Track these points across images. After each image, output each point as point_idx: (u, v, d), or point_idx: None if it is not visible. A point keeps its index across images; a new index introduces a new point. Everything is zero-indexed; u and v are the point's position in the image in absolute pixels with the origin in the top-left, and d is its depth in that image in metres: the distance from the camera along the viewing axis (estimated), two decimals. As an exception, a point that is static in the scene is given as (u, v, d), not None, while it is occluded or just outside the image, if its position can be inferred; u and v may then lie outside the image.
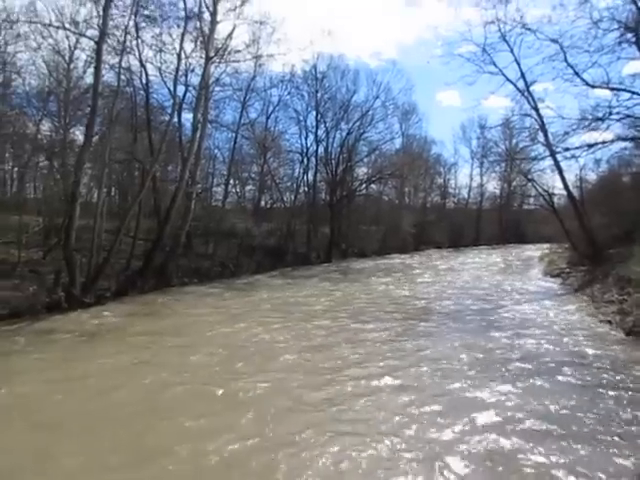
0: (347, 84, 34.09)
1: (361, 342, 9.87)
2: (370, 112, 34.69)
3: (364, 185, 38.19)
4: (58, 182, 18.17)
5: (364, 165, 38.79)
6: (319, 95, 32.42)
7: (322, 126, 33.11)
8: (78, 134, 20.43)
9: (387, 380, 7.45)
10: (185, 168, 18.88)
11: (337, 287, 18.78)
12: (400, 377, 7.58)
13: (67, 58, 19.04)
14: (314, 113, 32.74)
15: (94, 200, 17.75)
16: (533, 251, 35.88)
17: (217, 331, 10.82)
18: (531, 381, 7.38)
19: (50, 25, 16.76)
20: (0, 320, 11.22)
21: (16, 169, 21.39)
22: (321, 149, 33.66)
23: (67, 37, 18.39)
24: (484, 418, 5.97)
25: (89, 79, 19.06)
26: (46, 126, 20.53)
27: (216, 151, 30.06)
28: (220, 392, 6.96)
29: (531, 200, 32.85)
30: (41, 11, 17.26)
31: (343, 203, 34.37)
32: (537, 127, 21.12)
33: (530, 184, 28.73)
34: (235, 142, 26.66)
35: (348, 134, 34.29)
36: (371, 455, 5.11)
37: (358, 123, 34.37)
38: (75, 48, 18.76)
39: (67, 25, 16.70)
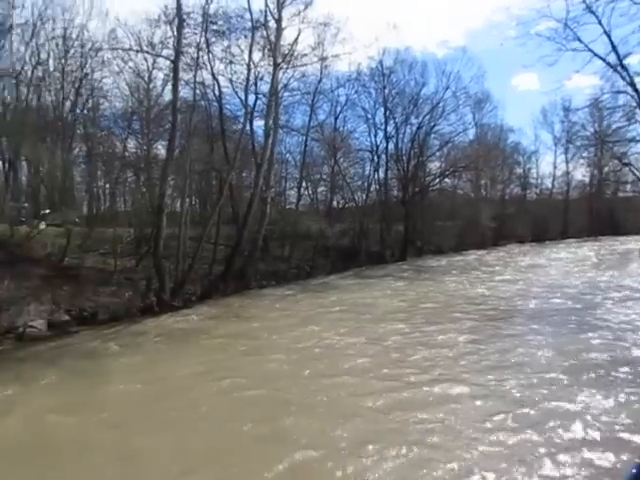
0: (415, 77, 33.29)
1: (437, 345, 9.55)
2: (441, 104, 33.65)
3: (437, 180, 37.08)
4: (145, 195, 19.57)
5: (436, 159, 37.73)
6: (387, 91, 32.02)
7: (391, 122, 32.67)
8: (160, 148, 21.96)
9: (466, 387, 7.10)
10: (259, 174, 19.52)
11: (411, 286, 18.47)
12: (480, 384, 7.20)
13: (146, 79, 20.49)
14: (382, 110, 32.38)
15: (177, 210, 18.96)
16: (631, 243, 32.81)
17: (290, 334, 10.99)
18: (635, 391, 6.70)
19: (130, 49, 18.12)
20: (102, 324, 12.39)
21: (108, 185, 23.28)
22: (391, 145, 33.17)
23: (145, 59, 19.81)
24: (578, 432, 5.51)
25: (167, 97, 20.40)
26: (131, 144, 22.23)
27: (288, 155, 30.77)
28: (290, 396, 7.03)
29: (628, 187, 29.96)
30: (121, 37, 18.68)
31: (416, 199, 33.62)
32: (634, 105, 19.18)
33: (626, 169, 26.16)
34: (306, 145, 27.09)
35: (418, 128, 33.50)
36: (451, 469, 4.89)
37: (428, 116, 33.49)
38: (153, 68, 20.16)
39: (145, 48, 17.96)
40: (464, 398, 6.74)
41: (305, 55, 21.41)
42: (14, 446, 5.70)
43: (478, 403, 6.54)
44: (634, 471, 1.34)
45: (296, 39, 20.58)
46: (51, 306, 12.04)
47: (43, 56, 19.25)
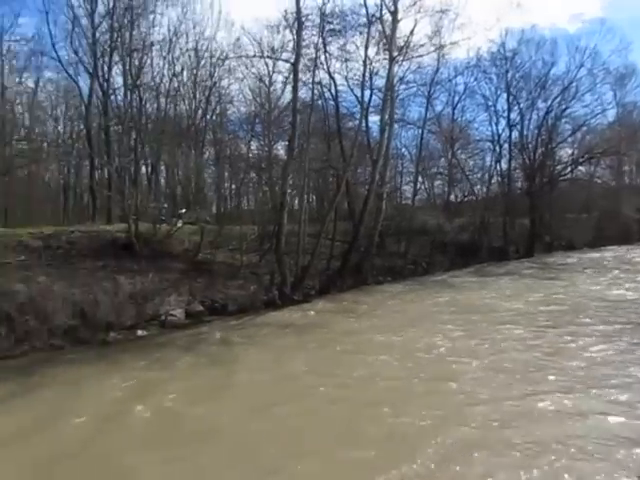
0: (543, 57, 30.36)
1: (561, 354, 8.39)
2: (573, 84, 30.28)
3: (569, 168, 33.64)
4: (266, 194, 20.59)
5: (568, 145, 34.27)
6: (510, 75, 29.81)
7: (515, 108, 30.41)
8: (279, 149, 22.98)
9: (599, 403, 6.10)
10: (375, 170, 19.39)
11: (537, 286, 16.87)
12: (618, 402, 6.14)
13: (267, 83, 21.47)
14: (505, 96, 30.33)
15: (296, 207, 19.65)
16: None
17: (400, 334, 10.57)
18: None
19: (254, 56, 19.13)
20: (231, 315, 13.29)
21: (234, 185, 24.96)
22: (515, 134, 31.01)
23: (266, 64, 20.74)
24: None
25: (285, 98, 21.23)
26: (254, 145, 23.57)
27: (403, 149, 30.28)
28: (391, 400, 6.64)
29: None
30: (245, 45, 19.83)
31: (544, 190, 30.83)
32: None
33: None
34: (422, 138, 26.34)
35: (547, 113, 30.62)
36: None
37: (559, 99, 30.38)
38: (273, 72, 21.05)
39: (266, 53, 18.84)
40: (597, 416, 5.79)
41: (422, 45, 20.76)
42: (163, 425, 6.28)
43: (614, 422, 5.59)
44: None
45: (412, 30, 20.02)
46: (188, 297, 13.20)
47: (178, 68, 21.25)
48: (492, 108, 30.59)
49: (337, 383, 7.44)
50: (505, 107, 30.33)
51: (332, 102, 21.53)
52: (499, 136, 30.32)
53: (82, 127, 22.39)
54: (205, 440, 5.58)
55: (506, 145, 30.56)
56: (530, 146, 30.97)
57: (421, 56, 21.27)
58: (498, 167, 30.66)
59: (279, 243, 15.65)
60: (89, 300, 10.80)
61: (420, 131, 26.25)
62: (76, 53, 20.54)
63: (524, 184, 31.75)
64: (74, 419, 6.28)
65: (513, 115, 30.40)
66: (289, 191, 18.51)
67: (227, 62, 20.56)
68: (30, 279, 10.65)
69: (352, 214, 21.18)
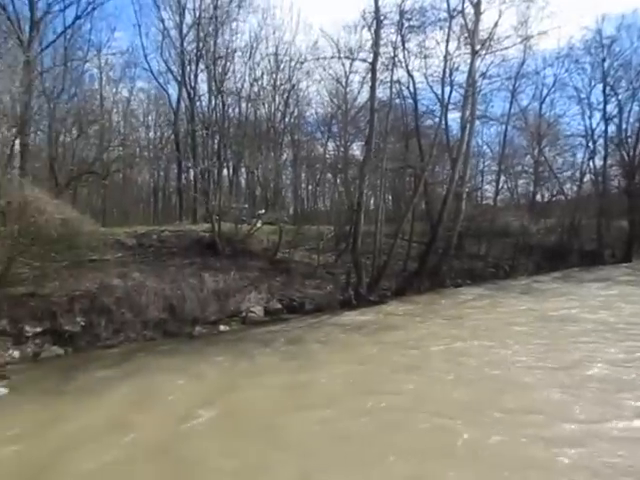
0: (645, 43, 27.73)
1: None
2: (681, 72, 27.33)
3: (676, 164, 30.30)
4: (342, 194, 20.66)
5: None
6: (607, 64, 27.59)
7: (612, 100, 28.13)
8: (355, 149, 22.93)
9: None
10: (454, 169, 18.75)
11: (635, 297, 15.09)
12: None
13: (344, 83, 21.55)
14: (600, 87, 28.10)
15: (371, 208, 19.51)
16: None
17: (477, 341, 10.03)
18: None
19: (332, 57, 19.28)
20: (307, 313, 13.49)
21: (310, 186, 25.37)
22: (611, 128, 28.71)
23: (343, 64, 20.85)
24: None
25: (362, 99, 21.16)
26: (330, 146, 23.76)
27: (485, 147, 29.01)
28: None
29: None
30: (322, 47, 20.09)
31: (646, 189, 28.08)
32: None
33: None
34: (505, 135, 25.10)
35: (650, 104, 27.89)
36: None
37: (664, 88, 27.56)
38: (349, 73, 21.09)
39: (344, 54, 18.89)
40: None
41: (507, 37, 19.72)
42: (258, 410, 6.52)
43: None
44: None
45: (496, 22, 19.10)
46: (267, 295, 13.58)
47: (258, 73, 22.00)
48: (585, 101, 28.60)
49: (412, 388, 7.29)
50: (600, 99, 28.24)
51: (410, 100, 21.10)
52: (593, 131, 28.32)
53: (171, 132, 23.86)
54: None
55: (601, 140, 28.44)
56: (629, 141, 28.39)
57: (506, 48, 20.22)
58: (591, 164, 28.57)
59: (355, 243, 15.62)
60: (177, 295, 11.45)
61: (503, 127, 25.06)
62: (166, 63, 22.03)
63: (622, 182, 29.18)
64: (174, 397, 7.05)
65: (610, 108, 28.20)
66: (365, 191, 18.40)
67: (305, 65, 20.97)
68: (126, 275, 11.48)
69: (430, 214, 20.66)
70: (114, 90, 24.17)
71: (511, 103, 24.78)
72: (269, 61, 22.20)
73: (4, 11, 16.06)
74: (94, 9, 19.41)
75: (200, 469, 5.04)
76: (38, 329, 9.37)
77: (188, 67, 21.18)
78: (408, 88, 20.49)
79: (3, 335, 9.02)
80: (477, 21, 18.59)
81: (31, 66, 15.18)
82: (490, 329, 11.37)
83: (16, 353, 8.89)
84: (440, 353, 9.35)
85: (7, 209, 10.85)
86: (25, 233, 9.97)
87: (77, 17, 18.86)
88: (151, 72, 22.97)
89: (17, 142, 16.62)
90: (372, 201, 20.94)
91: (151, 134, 26.92)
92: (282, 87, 22.34)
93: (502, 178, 27.38)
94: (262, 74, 22.15)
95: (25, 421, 6.23)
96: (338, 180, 22.68)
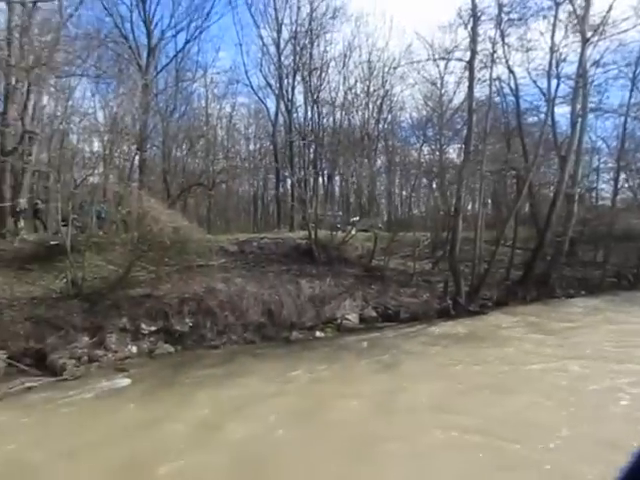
0: None
1: None
2: None
3: None
4: (437, 199, 20.02)
5: None
6: None
7: None
8: (451, 152, 22.13)
9: None
10: (564, 168, 17.30)
11: None
12: None
13: (438, 85, 20.90)
14: None
15: (469, 213, 18.63)
16: None
17: (588, 363, 8.96)
18: None
19: (427, 60, 18.82)
20: (402, 322, 13.18)
21: (404, 192, 24.94)
22: None
23: (437, 66, 20.21)
24: None
25: (457, 99, 20.37)
26: (425, 150, 23.18)
27: (599, 143, 26.29)
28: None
29: None
30: (416, 50, 19.70)
31: None
32: None
33: None
34: (624, 128, 22.49)
35: None
36: None
37: None
38: (444, 74, 20.40)
39: (438, 55, 18.31)
40: None
41: (625, 19, 17.70)
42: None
43: None
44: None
45: (611, 5, 17.28)
46: (362, 302, 13.54)
47: (352, 81, 22.21)
48: None
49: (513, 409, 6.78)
50: None
51: (511, 97, 19.88)
52: None
53: (269, 144, 24.97)
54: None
55: None
56: None
57: (624, 32, 18.11)
58: None
59: (453, 250, 15.01)
60: (275, 301, 11.87)
61: (622, 119, 22.48)
62: (265, 78, 23.14)
63: None
64: (277, 397, 7.44)
65: None
66: (463, 195, 17.65)
67: (399, 69, 20.74)
68: (229, 280, 12.17)
69: (535, 218, 19.23)
70: (218, 107, 25.94)
71: (631, 92, 22.16)
72: (362, 69, 22.35)
73: (126, 40, 18.07)
74: (201, 32, 21.05)
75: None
76: (153, 327, 10.27)
77: (285, 80, 22.05)
78: (509, 85, 19.34)
79: (123, 332, 10.00)
80: (588, 6, 17.02)
81: (148, 88, 16.87)
82: (607, 349, 10.11)
83: (134, 349, 9.83)
84: (546, 373, 8.55)
85: (128, 218, 12.08)
86: (143, 240, 11.04)
87: (187, 41, 20.63)
88: (251, 87, 24.30)
89: (137, 158, 18.60)
90: (470, 206, 20.04)
91: (251, 146, 28.46)
92: (375, 93, 22.34)
93: (622, 176, 24.56)
94: (355, 82, 22.37)
95: (159, 404, 7.20)
96: (434, 185, 22.04)
